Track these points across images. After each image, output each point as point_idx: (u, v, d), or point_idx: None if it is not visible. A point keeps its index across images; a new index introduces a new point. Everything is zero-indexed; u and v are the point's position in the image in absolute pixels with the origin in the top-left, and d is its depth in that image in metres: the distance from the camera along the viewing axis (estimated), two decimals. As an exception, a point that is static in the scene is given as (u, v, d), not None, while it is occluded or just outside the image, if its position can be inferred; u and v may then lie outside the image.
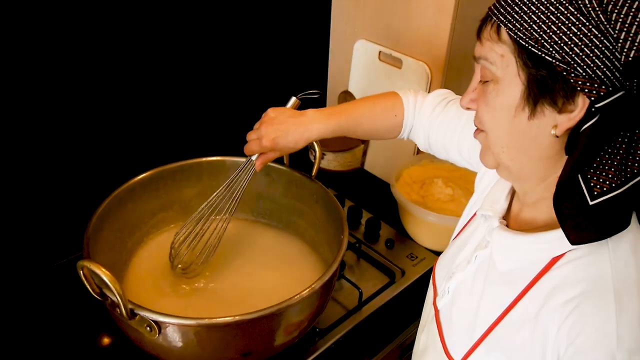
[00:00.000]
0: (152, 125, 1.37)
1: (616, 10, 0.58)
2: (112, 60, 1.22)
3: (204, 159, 1.25)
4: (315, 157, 1.21)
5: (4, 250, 1.22)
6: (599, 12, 0.59)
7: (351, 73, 1.65)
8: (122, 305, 0.83)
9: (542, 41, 0.62)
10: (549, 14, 0.62)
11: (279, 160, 1.23)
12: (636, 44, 0.57)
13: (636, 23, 0.57)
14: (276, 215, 1.31)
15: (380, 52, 1.54)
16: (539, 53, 0.63)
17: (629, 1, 0.57)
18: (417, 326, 1.31)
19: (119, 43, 1.22)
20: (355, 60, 1.63)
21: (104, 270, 0.80)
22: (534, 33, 0.63)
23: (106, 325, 1.11)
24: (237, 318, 0.85)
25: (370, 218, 1.44)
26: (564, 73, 0.61)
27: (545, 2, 0.62)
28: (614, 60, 0.59)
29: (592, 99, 0.60)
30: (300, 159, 1.39)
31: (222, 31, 1.40)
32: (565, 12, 0.61)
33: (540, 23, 0.62)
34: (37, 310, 1.18)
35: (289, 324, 0.95)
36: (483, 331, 0.75)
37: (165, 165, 1.21)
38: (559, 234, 0.66)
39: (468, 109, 0.75)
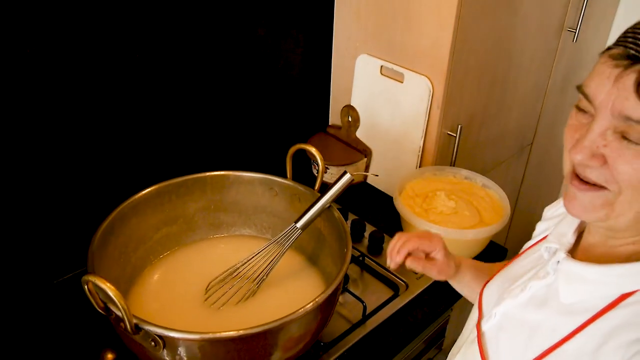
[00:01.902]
0: (156, 140, 1.38)
1: None
2: (115, 77, 1.23)
3: (208, 173, 1.25)
4: (318, 170, 1.21)
5: (5, 268, 1.22)
6: None
7: (354, 88, 1.67)
8: (126, 319, 0.83)
9: None
10: None
11: (282, 174, 1.24)
12: None
13: None
14: (278, 229, 1.31)
15: (382, 66, 1.55)
16: None
17: None
18: (421, 340, 1.31)
19: (123, 63, 1.23)
20: (358, 75, 1.64)
21: (108, 284, 0.80)
22: None
23: (109, 341, 1.10)
24: (241, 332, 0.85)
25: (373, 231, 1.44)
26: None
27: None
28: None
29: None
30: (303, 173, 1.40)
31: (227, 46, 1.42)
32: None
33: None
34: (39, 328, 1.18)
35: (293, 337, 0.95)
36: (533, 358, 0.71)
37: (169, 180, 1.21)
38: (633, 269, 0.64)
39: (581, 161, 0.63)
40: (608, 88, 0.59)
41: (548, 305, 0.74)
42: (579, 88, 0.63)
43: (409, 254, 0.97)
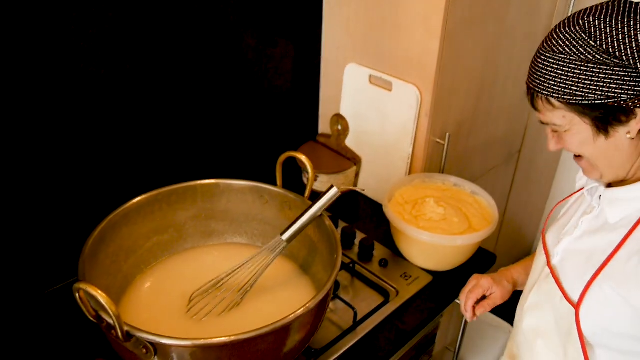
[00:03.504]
0: (146, 149, 1.39)
1: (622, 52, 0.79)
2: (105, 87, 1.24)
3: (198, 182, 1.26)
4: (308, 179, 1.22)
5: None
6: (612, 58, 0.79)
7: (342, 96, 1.68)
8: (118, 327, 0.83)
9: (586, 95, 0.83)
10: (579, 75, 0.82)
11: (272, 182, 1.25)
12: None
13: (637, 53, 0.79)
14: (269, 237, 1.32)
15: (370, 75, 1.57)
16: (589, 102, 0.83)
17: (626, 44, 0.79)
18: (412, 346, 1.32)
19: (112, 73, 1.24)
20: (347, 84, 1.65)
21: (100, 292, 0.81)
22: (577, 92, 0.83)
23: (100, 351, 1.11)
24: (232, 338, 0.86)
25: (363, 238, 1.45)
26: (616, 104, 0.82)
27: (572, 69, 0.83)
28: None
29: None
30: (293, 181, 1.41)
31: (217, 55, 1.43)
32: (588, 69, 0.82)
33: (578, 83, 0.83)
34: (30, 337, 1.18)
35: (284, 343, 0.96)
36: (595, 270, 0.90)
37: (159, 188, 1.22)
38: None
39: (557, 149, 0.95)
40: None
41: (601, 231, 0.94)
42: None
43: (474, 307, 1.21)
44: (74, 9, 1.11)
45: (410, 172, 1.59)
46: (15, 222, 1.21)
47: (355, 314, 1.23)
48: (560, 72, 0.84)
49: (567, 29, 0.84)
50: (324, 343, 1.17)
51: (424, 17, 1.38)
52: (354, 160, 1.68)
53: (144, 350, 0.86)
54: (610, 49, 0.79)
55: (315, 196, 1.14)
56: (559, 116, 0.88)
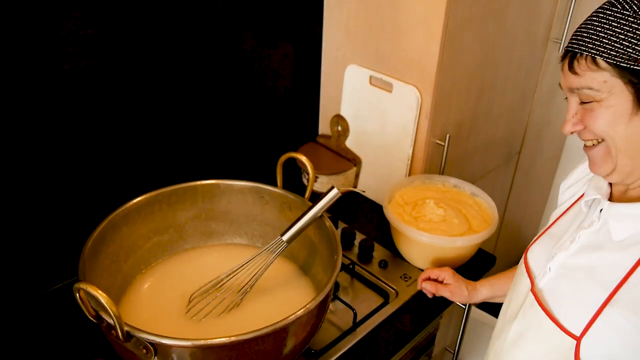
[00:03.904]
0: (146, 149, 1.39)
1: None
2: (105, 88, 1.24)
3: (199, 182, 1.26)
4: (308, 180, 1.22)
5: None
6: None
7: (343, 97, 1.68)
8: (118, 327, 0.83)
9: (639, 55, 0.74)
10: (634, 33, 0.75)
11: (272, 183, 1.25)
12: None
13: None
14: (269, 238, 1.32)
15: (370, 76, 1.57)
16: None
17: None
18: (411, 347, 1.32)
19: (112, 74, 1.24)
20: (347, 85, 1.66)
21: (100, 292, 0.81)
22: (632, 54, 0.75)
23: (100, 351, 1.11)
24: (232, 339, 0.86)
25: (363, 239, 1.45)
26: None
27: (633, 29, 0.75)
28: None
29: None
30: (293, 182, 1.41)
31: (217, 57, 1.43)
32: None
33: (631, 44, 0.75)
34: (29, 338, 1.18)
35: (284, 344, 0.96)
36: (607, 295, 0.81)
37: (160, 189, 1.22)
38: None
39: (572, 132, 0.86)
40: (563, 76, 0.84)
41: (602, 247, 0.86)
42: (560, 85, 0.86)
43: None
44: (74, 9, 1.11)
45: (410, 173, 1.60)
46: (15, 222, 1.21)
47: (355, 315, 1.23)
48: (619, 30, 0.75)
49: None
50: (323, 344, 1.17)
51: (424, 19, 1.38)
52: (354, 161, 1.68)
53: (144, 351, 0.86)
54: None
55: (315, 197, 1.14)
56: (600, 80, 0.78)
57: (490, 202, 1.47)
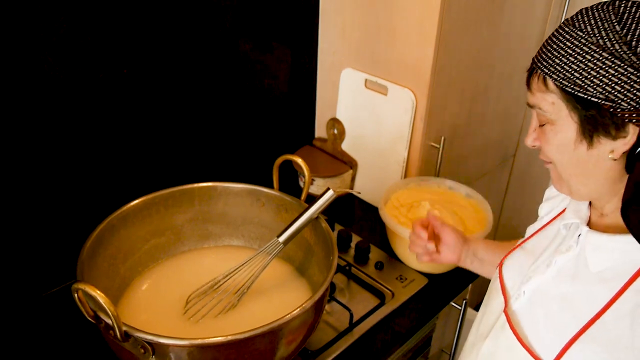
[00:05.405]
0: (143, 152, 1.40)
1: None
2: (102, 92, 1.25)
3: (196, 185, 1.27)
4: (304, 182, 1.23)
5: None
6: (630, 55, 0.68)
7: (339, 101, 1.70)
8: (116, 327, 0.84)
9: (586, 86, 0.71)
10: (587, 62, 0.71)
11: (269, 185, 1.26)
12: None
13: None
14: (266, 239, 1.33)
15: (366, 79, 1.58)
16: (586, 97, 0.72)
17: None
18: (407, 348, 1.33)
19: (109, 78, 1.25)
20: (342, 88, 1.67)
21: (98, 292, 0.81)
22: (577, 80, 0.72)
23: (98, 354, 1.11)
24: (229, 338, 0.87)
25: (359, 241, 1.46)
26: (611, 110, 0.70)
27: (582, 52, 0.71)
28: None
29: None
30: (289, 185, 1.41)
31: (214, 60, 1.44)
32: (601, 58, 0.70)
33: (581, 71, 0.71)
34: (27, 340, 1.19)
35: (281, 344, 0.96)
36: (579, 328, 0.78)
37: (157, 191, 1.22)
38: None
39: (534, 146, 0.84)
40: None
41: (579, 277, 0.81)
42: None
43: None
44: (72, 15, 1.13)
45: (405, 176, 1.61)
46: (13, 225, 1.21)
47: (351, 316, 1.23)
48: (570, 51, 0.72)
49: (600, 5, 0.73)
50: (320, 344, 1.18)
51: (418, 22, 1.40)
52: (350, 163, 1.69)
53: (142, 350, 0.87)
54: (634, 43, 0.68)
55: (312, 199, 1.15)
56: (549, 101, 0.76)
57: (485, 204, 1.48)
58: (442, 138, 1.55)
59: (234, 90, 1.54)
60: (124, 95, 1.29)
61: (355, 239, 1.52)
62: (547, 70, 0.75)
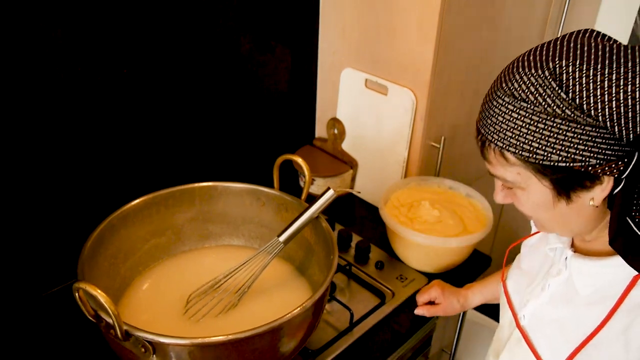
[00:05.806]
0: (144, 152, 1.40)
1: (598, 110, 0.65)
2: (102, 92, 1.25)
3: (196, 184, 1.27)
4: (304, 182, 1.24)
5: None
6: (585, 117, 0.66)
7: (339, 100, 1.70)
8: (117, 326, 0.84)
9: (548, 154, 0.68)
10: (542, 130, 0.68)
11: (269, 185, 1.26)
12: (630, 127, 0.65)
13: (616, 115, 0.64)
14: (266, 239, 1.33)
15: (366, 79, 1.59)
16: (551, 164, 0.69)
17: (604, 102, 0.64)
18: (408, 347, 1.33)
19: (109, 78, 1.25)
20: (343, 88, 1.67)
21: (99, 291, 0.81)
22: (538, 150, 0.69)
23: (98, 354, 1.11)
24: (230, 337, 0.87)
25: (360, 241, 1.46)
26: (581, 169, 0.68)
27: (534, 122, 0.68)
28: (619, 143, 0.66)
29: (615, 175, 0.68)
30: (290, 185, 1.42)
31: (214, 60, 1.44)
32: (554, 124, 0.67)
33: (540, 140, 0.68)
34: (27, 340, 1.19)
35: (281, 343, 0.97)
36: (572, 350, 0.79)
37: (157, 191, 1.23)
38: None
39: (507, 203, 0.83)
40: None
41: (571, 300, 0.82)
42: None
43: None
44: (72, 16, 1.13)
45: (405, 175, 1.61)
46: (13, 224, 1.21)
47: (352, 316, 1.24)
48: (521, 123, 0.68)
49: (532, 71, 0.69)
50: (320, 344, 1.18)
51: (418, 22, 1.40)
52: (350, 163, 1.70)
53: (143, 350, 0.87)
54: (585, 106, 0.65)
55: (312, 199, 1.15)
56: (513, 173, 0.74)
57: (485, 204, 1.48)
58: (442, 138, 1.55)
59: (234, 90, 1.54)
60: (124, 95, 1.29)
61: (356, 238, 1.52)
62: (502, 145, 0.71)
